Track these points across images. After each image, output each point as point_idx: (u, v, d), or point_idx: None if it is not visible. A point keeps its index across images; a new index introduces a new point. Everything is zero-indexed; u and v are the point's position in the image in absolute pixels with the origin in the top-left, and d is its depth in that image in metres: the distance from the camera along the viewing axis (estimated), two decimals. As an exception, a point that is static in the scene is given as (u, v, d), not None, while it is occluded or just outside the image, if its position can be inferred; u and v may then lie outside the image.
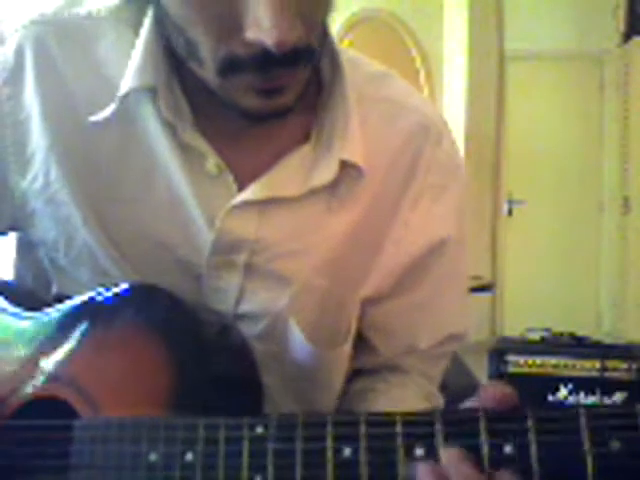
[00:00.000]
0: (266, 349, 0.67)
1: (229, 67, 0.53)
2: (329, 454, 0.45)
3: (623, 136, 4.69)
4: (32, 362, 0.61)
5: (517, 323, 3.65)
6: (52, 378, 0.59)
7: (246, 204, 0.63)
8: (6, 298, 0.68)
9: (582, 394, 2.60)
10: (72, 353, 0.60)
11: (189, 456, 0.49)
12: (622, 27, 4.67)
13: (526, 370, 2.67)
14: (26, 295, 0.70)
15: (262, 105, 0.56)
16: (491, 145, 4.80)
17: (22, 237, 0.72)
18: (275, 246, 0.65)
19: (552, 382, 2.63)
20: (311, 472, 0.46)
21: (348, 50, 0.71)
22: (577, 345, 2.74)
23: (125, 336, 0.59)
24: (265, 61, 0.51)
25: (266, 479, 0.47)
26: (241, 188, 0.63)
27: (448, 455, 0.42)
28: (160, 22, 0.59)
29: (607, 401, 2.57)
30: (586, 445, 0.39)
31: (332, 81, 0.65)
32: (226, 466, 0.48)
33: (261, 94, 0.55)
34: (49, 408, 0.58)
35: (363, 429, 0.45)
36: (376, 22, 4.57)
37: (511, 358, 2.69)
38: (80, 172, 0.65)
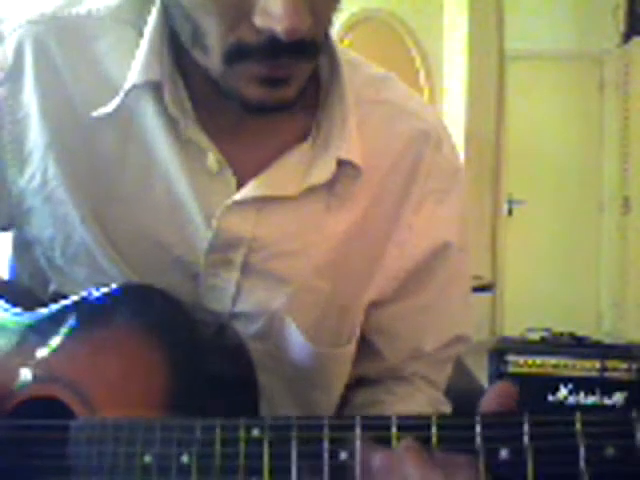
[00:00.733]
0: (263, 348, 0.66)
1: (236, 55, 0.54)
2: (325, 457, 0.45)
3: (623, 136, 4.69)
4: (28, 362, 0.61)
5: (517, 323, 3.65)
6: (48, 378, 0.59)
7: (243, 202, 0.63)
8: (2, 297, 0.68)
9: (582, 394, 2.60)
10: (68, 353, 0.60)
11: (184, 458, 0.49)
12: (622, 27, 4.67)
13: (526, 370, 2.67)
14: (22, 294, 0.70)
15: (265, 95, 0.56)
16: (491, 145, 4.80)
17: (18, 236, 0.72)
18: (272, 245, 0.65)
19: (552, 382, 2.63)
20: (306, 475, 0.46)
21: (348, 51, 0.71)
22: (577, 345, 2.74)
23: (121, 336, 0.59)
24: (273, 49, 0.52)
25: None
26: (240, 185, 0.63)
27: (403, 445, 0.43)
28: (166, 12, 0.59)
29: (607, 401, 2.57)
30: (581, 451, 0.39)
31: (330, 80, 0.65)
32: (222, 468, 0.48)
33: (265, 83, 0.55)
34: (45, 408, 0.58)
35: (359, 432, 0.45)
36: (376, 22, 4.57)
37: (511, 358, 2.69)
38: (78, 170, 0.65)
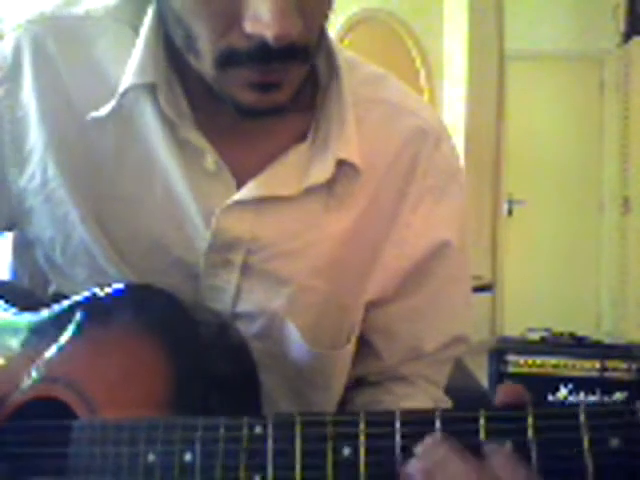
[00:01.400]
0: (263, 348, 0.66)
1: (227, 60, 0.54)
2: (328, 453, 0.45)
3: (623, 136, 4.69)
4: (30, 363, 0.61)
5: (517, 323, 3.65)
6: (50, 379, 0.59)
7: (242, 203, 0.63)
8: (2, 297, 0.68)
9: (582, 394, 2.60)
10: (70, 354, 0.60)
11: (188, 456, 0.49)
12: (622, 27, 4.67)
13: (526, 370, 2.67)
14: (23, 295, 0.70)
15: (257, 100, 0.56)
16: (491, 145, 4.80)
17: (19, 236, 0.72)
18: (271, 246, 0.65)
19: (552, 382, 2.63)
20: (310, 472, 0.46)
21: (346, 51, 0.71)
22: (577, 345, 2.74)
23: (123, 336, 0.59)
24: (263, 54, 0.52)
25: (265, 479, 0.47)
26: (239, 185, 0.63)
27: (441, 451, 0.42)
28: (161, 16, 0.59)
29: (607, 401, 2.57)
30: (585, 443, 0.39)
31: (329, 81, 0.65)
32: (225, 466, 0.48)
33: (257, 88, 0.55)
34: (47, 409, 0.57)
35: (362, 428, 0.45)
36: (376, 22, 4.57)
37: (511, 358, 2.69)
38: (78, 170, 0.65)
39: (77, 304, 0.62)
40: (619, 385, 2.57)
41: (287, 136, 0.65)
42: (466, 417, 0.43)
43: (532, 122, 4.77)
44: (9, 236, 0.74)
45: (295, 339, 0.67)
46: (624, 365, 2.57)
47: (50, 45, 0.64)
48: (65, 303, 0.63)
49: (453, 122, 4.45)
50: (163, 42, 0.61)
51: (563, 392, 2.61)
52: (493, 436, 0.41)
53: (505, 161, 4.82)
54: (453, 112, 4.62)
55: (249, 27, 0.51)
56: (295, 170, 0.64)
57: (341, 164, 0.64)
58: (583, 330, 2.94)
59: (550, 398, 2.62)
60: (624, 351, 2.67)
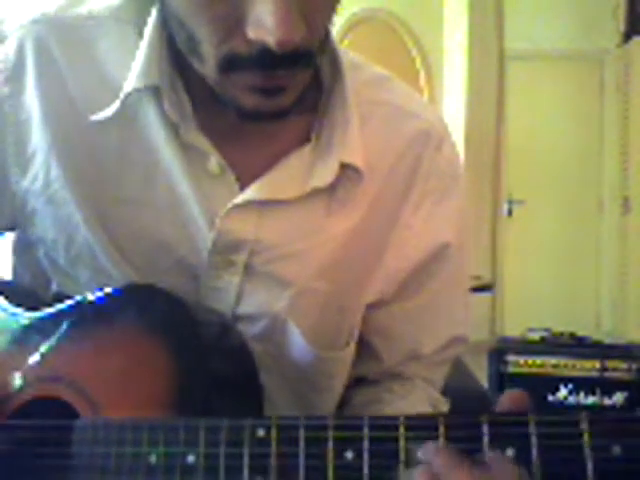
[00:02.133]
0: (265, 350, 0.66)
1: (229, 65, 0.53)
2: (331, 457, 0.45)
3: (623, 136, 4.69)
4: (32, 362, 0.61)
5: (517, 323, 3.65)
6: (52, 378, 0.59)
7: (245, 205, 0.63)
8: (4, 298, 0.68)
9: (582, 394, 2.60)
10: (72, 353, 0.60)
11: (190, 458, 0.49)
12: (622, 27, 4.67)
13: (526, 370, 2.67)
14: (24, 295, 0.70)
15: (260, 104, 0.56)
16: (491, 145, 4.79)
17: (21, 237, 0.72)
18: (274, 248, 0.65)
19: (552, 382, 2.63)
20: (313, 475, 0.46)
21: (349, 53, 0.71)
22: (577, 345, 2.74)
23: (125, 337, 0.59)
24: (265, 60, 0.52)
25: None
26: (243, 188, 0.63)
27: (442, 460, 0.42)
28: (164, 18, 0.59)
29: (607, 401, 2.57)
30: (587, 450, 0.39)
31: (332, 83, 0.65)
32: (227, 468, 0.48)
33: (259, 93, 0.55)
34: (49, 408, 0.58)
35: (365, 432, 0.45)
36: (376, 22, 4.57)
37: (511, 358, 2.69)
38: (81, 172, 0.65)
39: (80, 304, 0.62)
40: (619, 385, 2.57)
41: (290, 139, 0.65)
42: (469, 423, 0.43)
43: (532, 122, 4.77)
44: (10, 236, 0.74)
45: (297, 341, 0.67)
46: (624, 365, 2.57)
47: (53, 45, 0.64)
48: (67, 303, 0.63)
49: (453, 122, 4.44)
50: (166, 44, 0.61)
51: (563, 392, 2.61)
52: (496, 442, 0.41)
53: (505, 161, 4.82)
54: (453, 112, 4.62)
55: (251, 33, 0.50)
56: (298, 173, 0.64)
57: (344, 167, 0.64)
58: (583, 330, 2.94)
59: (550, 398, 2.62)
60: (624, 351, 2.67)
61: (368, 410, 0.72)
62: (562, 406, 2.59)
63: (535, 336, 2.83)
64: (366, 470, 0.44)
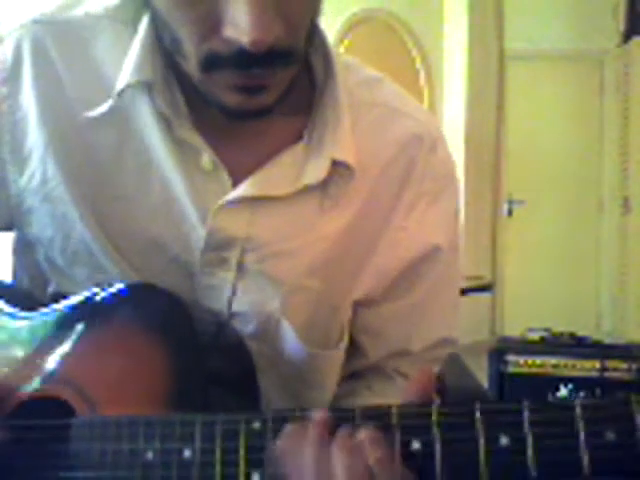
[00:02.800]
0: (259, 348, 0.67)
1: (210, 64, 0.54)
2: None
3: (623, 136, 4.69)
4: (30, 362, 0.61)
5: (517, 323, 3.65)
6: (50, 378, 0.59)
7: (237, 201, 0.63)
8: (3, 298, 0.68)
9: (582, 394, 2.59)
10: (70, 352, 0.60)
11: (186, 453, 0.49)
12: (622, 27, 4.67)
13: (526, 370, 2.67)
14: (23, 295, 0.71)
15: (242, 102, 0.57)
16: (491, 145, 4.80)
17: (19, 237, 0.72)
18: (266, 245, 0.65)
19: (552, 382, 2.62)
20: None
21: (343, 55, 0.71)
22: (577, 345, 2.74)
23: (123, 335, 0.59)
24: (242, 60, 0.52)
25: (264, 474, 0.47)
26: (235, 184, 0.64)
27: (365, 435, 0.43)
28: (154, 18, 0.59)
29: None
30: (581, 436, 0.39)
31: (325, 82, 0.66)
32: (223, 462, 0.48)
33: (241, 91, 0.56)
34: (48, 407, 0.58)
35: (359, 423, 0.45)
36: (376, 22, 4.57)
37: (511, 358, 2.69)
38: (77, 170, 0.65)
39: (77, 304, 0.62)
40: (619, 385, 2.56)
41: (283, 136, 0.65)
42: (462, 411, 0.43)
43: (532, 122, 4.77)
44: (9, 237, 0.74)
45: (290, 339, 0.67)
46: (624, 365, 2.57)
47: (50, 46, 0.65)
48: (65, 303, 0.63)
49: (453, 122, 4.45)
50: (159, 42, 0.61)
51: (563, 392, 2.61)
52: (489, 430, 0.42)
53: (505, 161, 4.82)
54: (453, 112, 4.62)
55: (227, 32, 0.51)
56: (290, 170, 0.64)
57: (336, 164, 0.64)
58: (583, 330, 2.94)
59: (550, 398, 2.62)
60: (624, 351, 2.67)
61: (344, 402, 0.72)
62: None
63: (535, 336, 2.83)
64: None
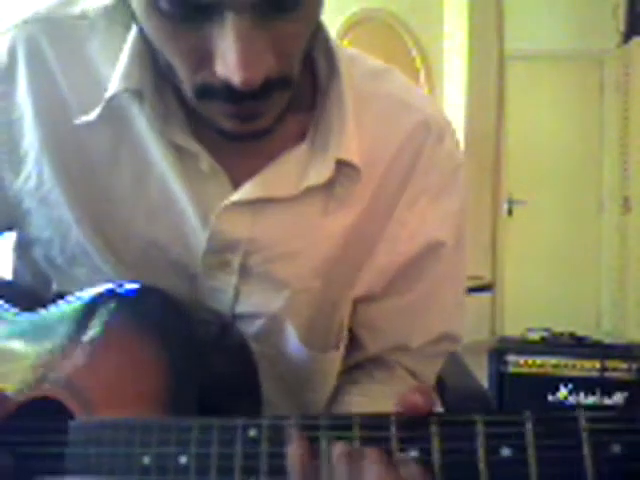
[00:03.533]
0: (261, 349, 0.66)
1: (203, 93, 0.54)
2: (322, 456, 0.45)
3: (623, 136, 4.68)
4: (28, 363, 0.61)
5: (517, 323, 3.64)
6: (48, 379, 0.59)
7: (239, 204, 0.62)
8: (4, 297, 0.68)
9: (582, 394, 2.59)
10: (68, 354, 0.60)
11: (183, 459, 0.49)
12: (622, 27, 4.67)
13: (526, 370, 2.66)
14: (24, 294, 0.70)
15: (238, 128, 0.57)
16: (491, 145, 4.79)
17: (19, 236, 0.72)
18: (270, 247, 0.64)
19: (552, 382, 2.62)
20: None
21: (348, 48, 0.70)
22: (577, 345, 2.73)
23: (121, 337, 0.59)
24: (234, 94, 0.52)
25: None
26: (236, 187, 0.63)
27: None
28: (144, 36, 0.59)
29: (607, 401, 2.57)
30: (586, 448, 0.38)
31: (328, 80, 0.65)
32: (219, 468, 0.48)
33: (235, 118, 0.56)
34: (45, 409, 0.57)
35: (357, 432, 0.45)
36: (376, 22, 4.56)
37: (511, 358, 2.68)
38: (73, 172, 0.65)
39: (74, 305, 0.62)
40: (619, 385, 2.56)
41: (286, 137, 0.64)
42: (463, 421, 0.42)
43: (532, 122, 4.77)
44: (10, 236, 0.74)
45: (293, 340, 0.66)
46: (624, 365, 2.57)
47: (45, 46, 0.64)
48: (63, 304, 0.63)
49: (453, 122, 4.39)
50: (151, 51, 0.60)
51: (563, 392, 2.61)
52: (490, 441, 0.41)
53: (505, 161, 4.82)
54: (453, 112, 4.61)
55: (219, 69, 0.51)
56: (294, 171, 0.63)
57: (341, 164, 0.63)
58: (583, 330, 2.93)
59: (550, 398, 2.62)
60: (624, 351, 2.67)
61: (345, 391, 0.72)
62: (562, 406, 2.59)
63: (535, 336, 2.83)
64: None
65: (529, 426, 0.40)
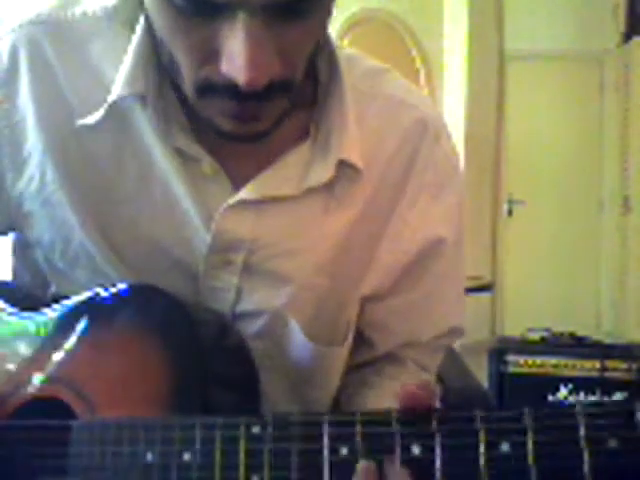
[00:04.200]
0: (264, 347, 0.66)
1: (205, 89, 0.54)
2: (325, 453, 0.45)
3: (623, 136, 4.68)
4: (31, 362, 0.61)
5: (517, 323, 3.65)
6: (50, 379, 0.59)
7: (242, 203, 0.63)
8: (4, 298, 0.68)
9: (582, 394, 2.59)
10: (70, 354, 0.60)
11: (186, 456, 0.49)
12: (622, 27, 4.67)
13: (526, 370, 2.67)
14: (24, 295, 0.70)
15: (236, 129, 0.57)
16: (491, 145, 4.80)
17: (19, 239, 0.72)
18: (272, 246, 0.65)
19: (552, 382, 2.63)
20: (308, 471, 0.46)
21: (346, 49, 0.71)
22: (577, 345, 2.74)
23: (123, 337, 0.59)
24: (237, 93, 0.52)
25: (263, 479, 0.47)
26: (238, 188, 0.63)
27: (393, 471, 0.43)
28: (150, 30, 0.59)
29: (607, 401, 2.57)
30: (583, 443, 0.39)
31: (329, 80, 0.65)
32: (223, 466, 0.48)
33: (234, 118, 0.56)
34: (48, 408, 0.58)
35: (359, 428, 0.45)
36: (376, 22, 4.57)
37: (511, 358, 2.69)
38: (76, 174, 0.65)
39: (78, 305, 0.62)
40: (619, 385, 2.56)
41: (287, 137, 0.64)
42: (463, 417, 0.43)
43: (532, 122, 4.77)
44: (10, 237, 0.73)
45: (297, 337, 0.67)
46: (624, 365, 2.57)
47: (47, 47, 0.64)
48: (66, 304, 0.63)
49: (453, 122, 4.44)
50: (155, 52, 0.60)
51: (563, 392, 2.61)
52: (490, 437, 0.41)
53: (505, 161, 4.82)
54: (453, 112, 4.62)
55: (224, 67, 0.51)
56: (295, 170, 0.64)
57: (342, 165, 0.64)
58: (583, 330, 2.94)
59: (550, 398, 2.62)
60: (624, 351, 2.67)
61: (357, 392, 0.73)
62: (562, 406, 2.59)
63: (535, 336, 2.83)
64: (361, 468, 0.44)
65: (528, 422, 0.41)
